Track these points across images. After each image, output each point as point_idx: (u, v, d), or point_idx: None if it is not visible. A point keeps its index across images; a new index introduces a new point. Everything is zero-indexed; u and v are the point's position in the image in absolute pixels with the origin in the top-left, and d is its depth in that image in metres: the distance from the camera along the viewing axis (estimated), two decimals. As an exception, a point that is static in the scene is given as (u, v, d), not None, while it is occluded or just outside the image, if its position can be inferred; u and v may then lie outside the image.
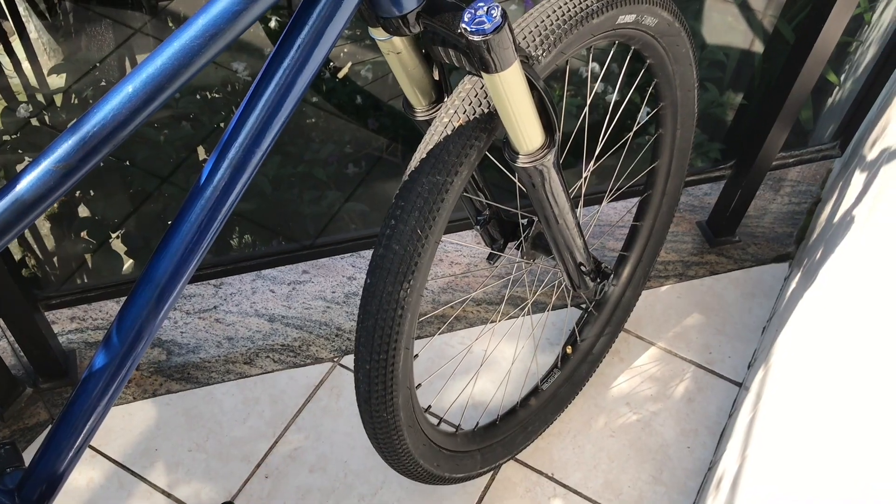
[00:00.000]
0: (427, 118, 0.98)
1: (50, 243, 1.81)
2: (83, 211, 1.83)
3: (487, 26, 0.79)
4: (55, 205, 1.80)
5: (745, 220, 1.74)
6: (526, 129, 0.92)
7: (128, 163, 1.89)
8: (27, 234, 1.72)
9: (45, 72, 1.93)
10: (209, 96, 2.04)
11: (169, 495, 1.36)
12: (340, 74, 2.07)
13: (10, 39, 1.93)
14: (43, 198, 0.71)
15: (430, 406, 1.24)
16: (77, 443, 0.93)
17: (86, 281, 1.68)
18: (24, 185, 0.70)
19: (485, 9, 0.79)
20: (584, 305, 1.52)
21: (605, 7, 1.01)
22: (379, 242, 0.95)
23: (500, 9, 0.80)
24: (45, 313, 1.45)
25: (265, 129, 0.80)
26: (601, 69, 1.61)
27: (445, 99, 0.97)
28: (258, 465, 1.40)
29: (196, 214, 0.83)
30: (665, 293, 1.66)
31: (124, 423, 1.44)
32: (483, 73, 0.84)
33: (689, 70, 1.21)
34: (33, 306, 1.38)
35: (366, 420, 1.08)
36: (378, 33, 0.88)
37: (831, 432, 0.96)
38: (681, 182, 1.42)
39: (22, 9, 1.90)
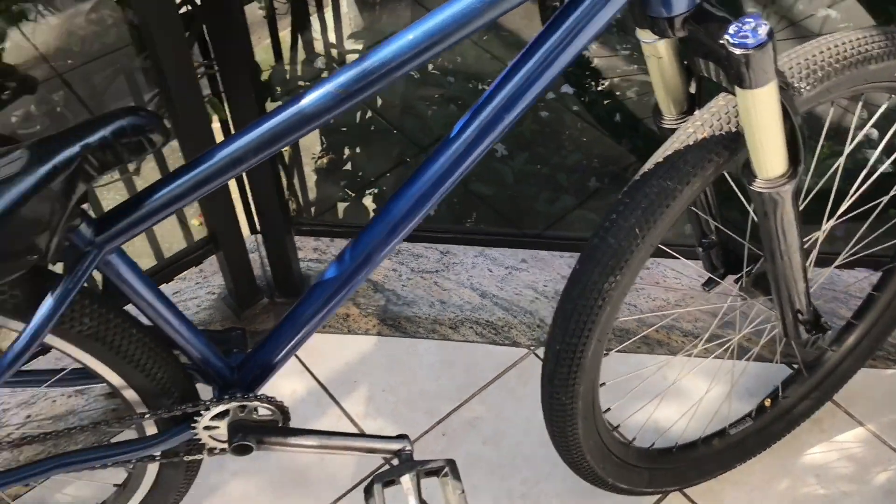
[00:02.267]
0: (673, 127, 1.01)
1: (313, 184, 2.02)
2: (347, 166, 2.03)
3: (751, 41, 0.80)
4: (324, 158, 2.02)
5: None
6: (769, 154, 0.92)
7: (395, 131, 2.06)
8: (299, 166, 1.94)
9: (345, 36, 2.16)
10: (479, 87, 2.17)
11: (355, 424, 1.48)
12: (603, 87, 2.12)
13: (325, 8, 2.17)
14: (319, 115, 0.82)
15: (609, 409, 1.26)
16: (293, 342, 1.06)
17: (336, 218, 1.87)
18: (308, 100, 0.82)
19: (752, 24, 0.81)
20: (795, 365, 1.46)
21: (886, 54, 0.98)
22: (595, 233, 0.99)
23: (767, 27, 0.81)
24: (295, 238, 1.63)
25: (517, 99, 0.87)
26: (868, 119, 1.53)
27: (696, 112, 0.99)
28: (438, 422, 1.49)
29: (440, 164, 0.92)
30: (890, 377, 1.54)
31: (335, 351, 1.59)
32: (737, 89, 0.86)
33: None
34: (288, 229, 1.56)
35: (545, 400, 1.13)
36: (644, 35, 0.92)
37: None
38: (935, 260, 1.33)
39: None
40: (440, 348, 1.59)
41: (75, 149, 0.78)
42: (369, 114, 2.06)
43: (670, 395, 1.48)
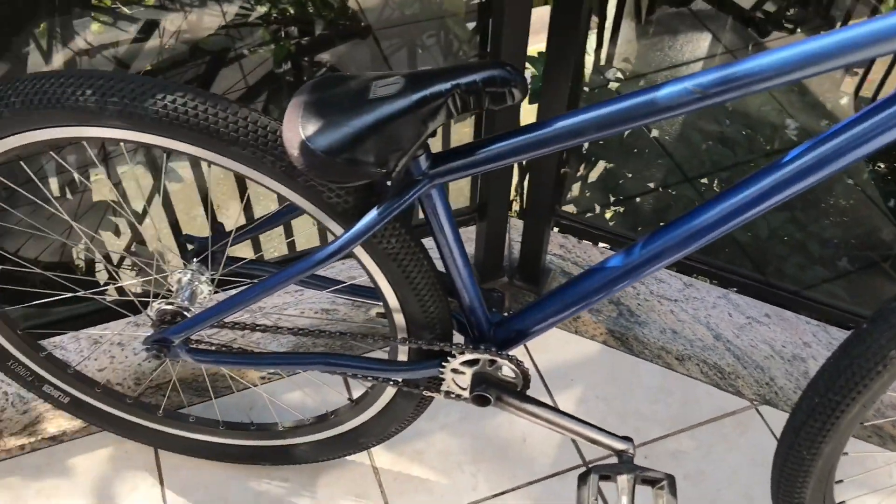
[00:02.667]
0: None
1: (578, 185, 2.08)
2: (611, 176, 2.07)
3: None
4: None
5: None
6: None
7: (668, 157, 2.08)
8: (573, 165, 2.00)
9: (620, 54, 2.21)
10: (753, 135, 2.14)
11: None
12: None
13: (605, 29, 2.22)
14: (669, 108, 0.86)
15: (842, 480, 1.21)
16: (555, 317, 1.11)
17: (589, 219, 1.91)
18: (662, 92, 0.86)
19: None
20: None
21: None
22: (895, 297, 0.96)
23: None
24: (550, 230, 1.68)
25: (859, 143, 0.86)
26: None
27: None
28: (644, 444, 1.49)
29: (763, 184, 0.92)
30: None
31: (560, 346, 1.62)
32: None
33: None
34: (548, 220, 1.61)
35: (782, 451, 1.10)
36: None
37: None
38: None
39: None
40: (662, 375, 1.59)
41: (446, 85, 0.86)
42: (645, 132, 2.09)
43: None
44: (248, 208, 1.62)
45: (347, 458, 1.46)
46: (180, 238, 1.19)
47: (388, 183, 0.97)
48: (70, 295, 1.26)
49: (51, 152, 1.19)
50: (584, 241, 1.76)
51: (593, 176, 2.13)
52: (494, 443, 1.49)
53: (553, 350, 1.62)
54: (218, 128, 0.92)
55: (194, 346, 1.16)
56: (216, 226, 1.19)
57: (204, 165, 1.56)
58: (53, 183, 1.63)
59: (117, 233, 1.75)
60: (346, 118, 0.87)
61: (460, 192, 1.68)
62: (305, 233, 1.74)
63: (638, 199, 2.13)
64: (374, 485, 1.44)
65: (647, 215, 2.11)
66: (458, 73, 0.87)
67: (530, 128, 0.92)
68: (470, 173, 0.96)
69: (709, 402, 1.55)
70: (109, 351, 1.56)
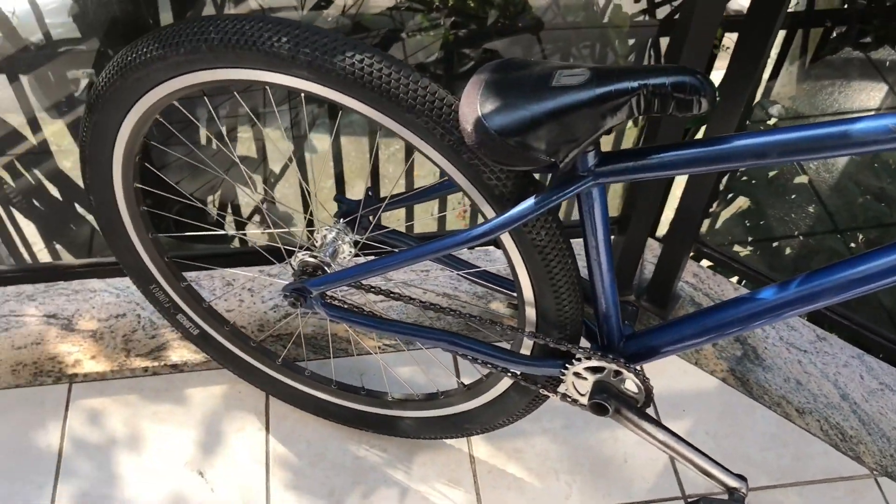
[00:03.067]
0: None
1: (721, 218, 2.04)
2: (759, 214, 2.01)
3: None
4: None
5: None
6: None
7: (819, 204, 2.00)
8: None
9: (782, 92, 2.13)
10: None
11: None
12: None
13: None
14: (863, 143, 0.82)
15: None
16: (688, 341, 1.09)
17: (733, 252, 1.86)
18: (859, 126, 0.82)
19: None
20: None
21: None
22: None
23: None
24: (688, 257, 1.64)
25: None
26: None
27: None
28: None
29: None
30: None
31: (677, 375, 1.59)
32: None
33: None
34: (689, 246, 1.57)
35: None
36: None
37: None
38: None
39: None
40: (778, 424, 1.53)
41: (634, 84, 0.85)
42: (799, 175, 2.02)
43: None
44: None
45: (446, 441, 1.47)
46: (335, 197, 1.22)
47: (550, 175, 0.97)
48: (221, 232, 1.32)
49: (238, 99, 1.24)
50: (718, 275, 1.72)
51: (731, 211, 2.07)
52: (595, 457, 1.47)
53: (670, 377, 1.58)
54: (399, 93, 0.94)
55: (328, 300, 1.19)
56: (370, 191, 1.22)
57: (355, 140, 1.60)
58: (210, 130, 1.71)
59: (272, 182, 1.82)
60: (526, 101, 0.88)
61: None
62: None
63: (776, 243, 2.06)
64: (469, 473, 1.44)
65: (785, 261, 2.03)
66: (647, 73, 0.86)
67: (707, 142, 0.90)
68: (637, 178, 0.95)
69: (824, 461, 1.48)
70: (239, 294, 1.62)
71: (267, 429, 1.49)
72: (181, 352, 1.57)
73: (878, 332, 1.56)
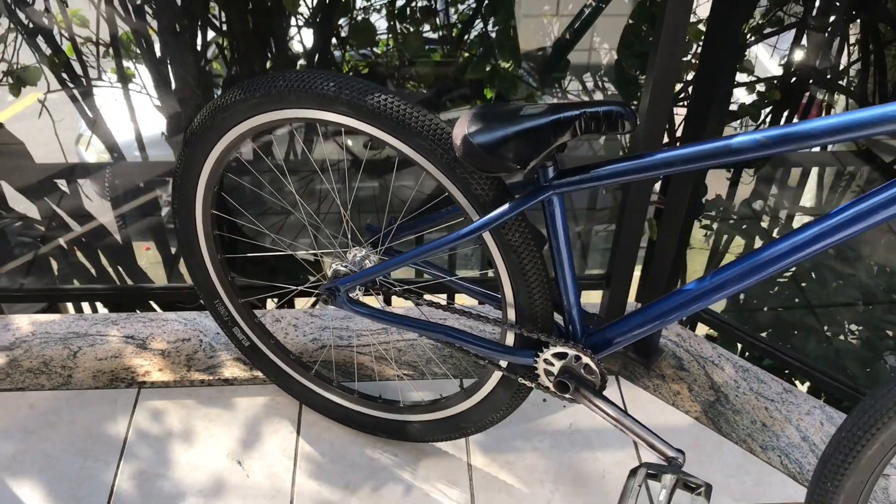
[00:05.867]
0: None
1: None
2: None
3: None
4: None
5: None
6: None
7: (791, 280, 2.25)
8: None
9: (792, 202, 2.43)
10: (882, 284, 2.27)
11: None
12: None
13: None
14: (742, 152, 1.12)
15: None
16: (635, 329, 1.36)
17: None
18: (735, 140, 1.12)
19: None
20: None
21: None
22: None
23: None
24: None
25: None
26: None
27: None
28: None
29: (808, 232, 1.15)
30: None
31: (656, 412, 1.81)
32: None
33: None
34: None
35: (812, 481, 1.25)
36: None
37: None
38: None
39: None
40: (743, 456, 1.73)
41: (577, 112, 1.18)
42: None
43: None
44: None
45: (448, 451, 1.71)
46: (366, 225, 1.56)
47: (519, 192, 1.28)
48: (274, 253, 1.65)
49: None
50: (698, 335, 1.97)
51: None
52: (576, 472, 1.69)
53: (649, 413, 1.81)
54: (411, 122, 1.28)
55: (353, 299, 1.49)
56: (393, 219, 1.54)
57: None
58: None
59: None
60: (500, 125, 1.21)
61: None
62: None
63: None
64: (466, 477, 1.67)
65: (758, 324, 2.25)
66: (588, 105, 1.19)
67: (634, 157, 1.21)
68: (584, 187, 1.26)
69: (782, 489, 1.67)
70: (285, 330, 1.93)
71: (298, 432, 1.76)
72: (233, 369, 1.87)
73: (836, 380, 1.78)
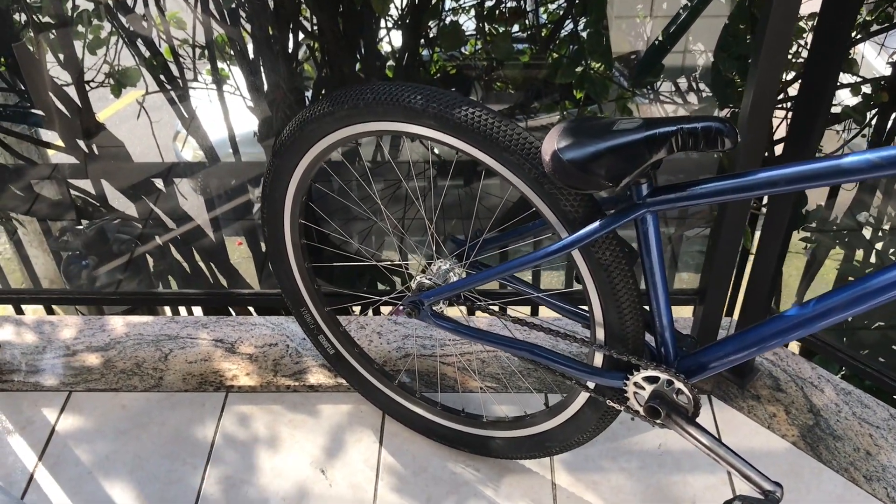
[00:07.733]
0: None
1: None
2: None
3: None
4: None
5: None
6: None
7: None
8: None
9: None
10: None
11: (733, 489, 1.61)
12: None
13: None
14: (853, 174, 1.05)
15: None
16: (732, 355, 1.29)
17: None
18: (846, 160, 1.05)
19: None
20: None
21: None
22: None
23: None
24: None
25: None
26: None
27: None
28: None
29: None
30: None
31: (749, 434, 1.73)
32: None
33: None
34: (761, 319, 1.76)
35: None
36: None
37: None
38: None
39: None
40: (844, 486, 1.63)
41: (673, 127, 1.12)
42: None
43: None
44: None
45: (532, 468, 1.68)
46: (450, 237, 1.53)
47: (612, 210, 1.23)
48: (359, 264, 1.65)
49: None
50: (797, 355, 1.87)
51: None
52: (665, 495, 1.63)
53: (742, 436, 1.73)
54: (498, 136, 1.25)
55: (437, 310, 1.47)
56: (478, 232, 1.51)
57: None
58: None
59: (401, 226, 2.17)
60: (591, 140, 1.16)
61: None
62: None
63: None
64: (550, 496, 1.63)
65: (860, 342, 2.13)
66: (686, 120, 1.13)
67: (732, 176, 1.15)
68: (681, 205, 1.20)
69: (886, 523, 1.57)
70: (369, 337, 1.93)
71: (380, 442, 1.75)
72: (318, 376, 1.88)
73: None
